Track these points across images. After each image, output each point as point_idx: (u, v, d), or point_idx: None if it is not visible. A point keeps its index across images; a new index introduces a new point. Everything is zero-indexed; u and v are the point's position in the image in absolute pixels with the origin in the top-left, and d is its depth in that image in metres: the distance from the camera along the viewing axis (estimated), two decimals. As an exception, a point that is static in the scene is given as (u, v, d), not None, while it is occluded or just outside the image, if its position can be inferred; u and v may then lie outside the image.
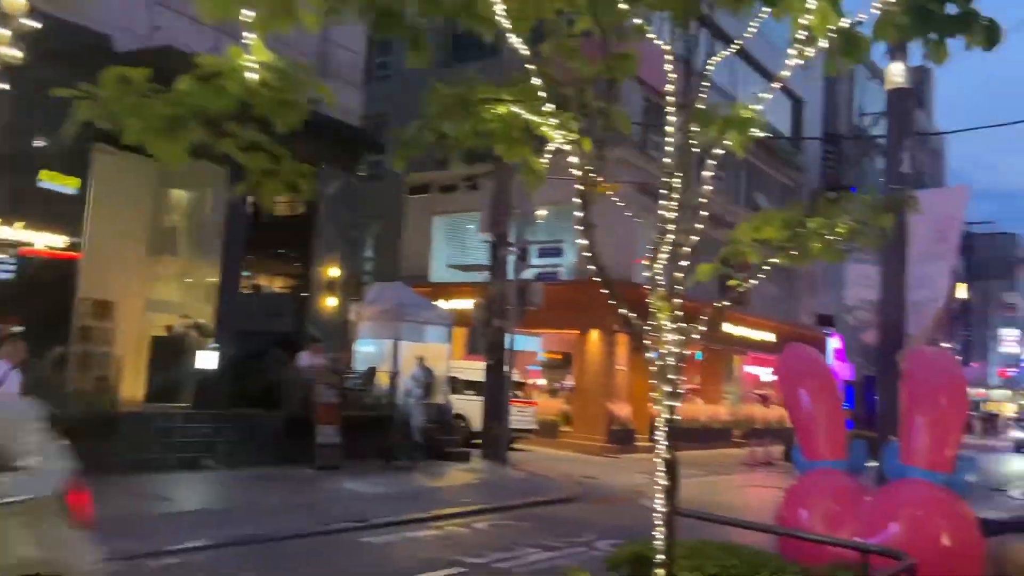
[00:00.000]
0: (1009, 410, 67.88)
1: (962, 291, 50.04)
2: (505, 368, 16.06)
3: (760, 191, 29.78)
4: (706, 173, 3.82)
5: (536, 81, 3.74)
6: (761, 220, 4.31)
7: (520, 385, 19.35)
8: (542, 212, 18.20)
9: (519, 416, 17.89)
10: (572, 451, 20.50)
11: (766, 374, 32.18)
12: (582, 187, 3.95)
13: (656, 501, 3.84)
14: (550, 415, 21.61)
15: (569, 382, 22.77)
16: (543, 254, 16.12)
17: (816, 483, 5.28)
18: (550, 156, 4.15)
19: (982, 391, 68.02)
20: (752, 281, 4.17)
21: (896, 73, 7.88)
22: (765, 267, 4.17)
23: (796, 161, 31.52)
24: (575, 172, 4.00)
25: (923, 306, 7.62)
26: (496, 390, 15.94)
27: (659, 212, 4.00)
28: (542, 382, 25.04)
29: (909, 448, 5.01)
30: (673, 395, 3.91)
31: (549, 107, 3.83)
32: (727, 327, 25.88)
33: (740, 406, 27.63)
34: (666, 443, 3.90)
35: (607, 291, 3.86)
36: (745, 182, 29.13)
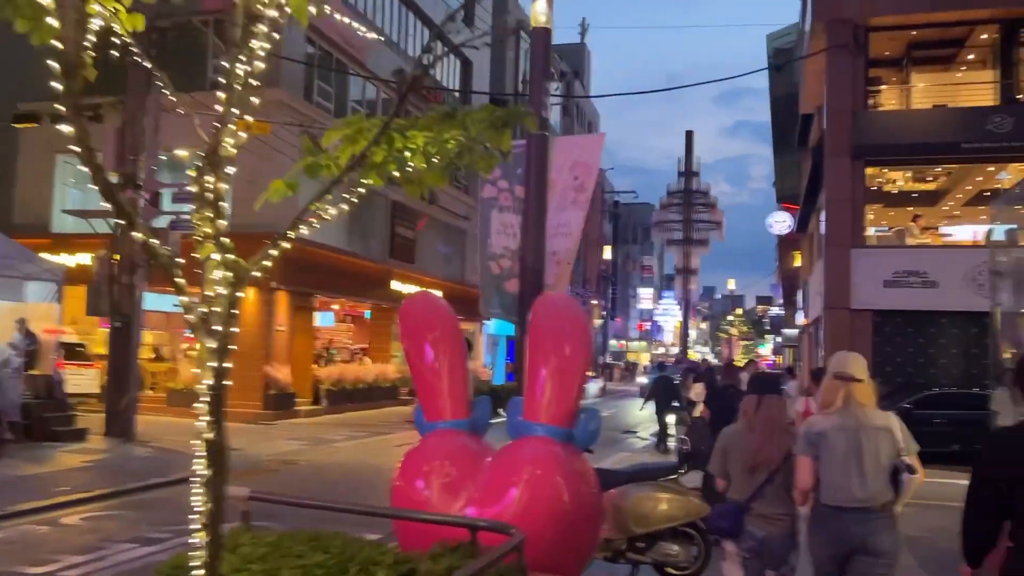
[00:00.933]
0: (645, 359, 77.37)
1: (607, 253, 55.14)
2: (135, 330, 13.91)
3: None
4: (260, 45, 2.81)
5: None
6: (355, 129, 3.43)
7: (80, 346, 17.05)
8: (182, 152, 16.06)
9: (77, 379, 15.70)
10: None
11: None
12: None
13: (194, 496, 2.84)
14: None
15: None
16: (179, 199, 14.10)
17: (434, 446, 4.63)
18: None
19: (623, 343, 76.64)
20: (340, 207, 3.28)
21: (540, 11, 7.53)
22: (356, 189, 3.30)
23: (465, 122, 31.94)
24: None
25: (560, 255, 7.41)
26: (121, 357, 13.75)
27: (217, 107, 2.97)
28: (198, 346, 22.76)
29: (532, 402, 4.53)
30: (220, 353, 2.91)
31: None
32: (395, 285, 25.54)
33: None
34: (210, 418, 2.90)
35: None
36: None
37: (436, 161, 3.50)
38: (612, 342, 70.46)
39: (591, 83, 67.38)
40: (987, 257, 17.87)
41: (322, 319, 29.82)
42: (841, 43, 18.49)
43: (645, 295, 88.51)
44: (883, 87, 20.37)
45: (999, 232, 19.18)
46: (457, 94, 31.38)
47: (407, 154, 3.45)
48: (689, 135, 24.79)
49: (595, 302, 54.59)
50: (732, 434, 4.44)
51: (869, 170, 19.37)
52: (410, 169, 3.44)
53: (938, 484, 6.27)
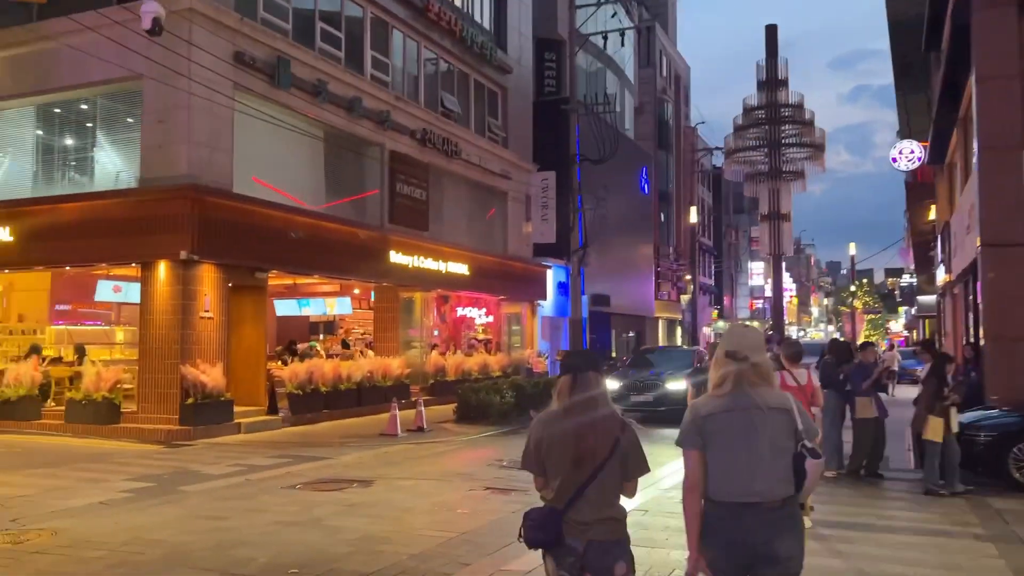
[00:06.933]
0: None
1: (692, 216, 47.97)
2: None
3: (451, 92, 24.18)
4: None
5: None
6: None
7: None
8: None
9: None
10: (133, 440, 13.93)
11: (480, 315, 27.11)
12: None
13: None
14: (104, 390, 14.76)
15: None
16: None
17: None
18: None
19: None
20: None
21: None
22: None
23: (499, 60, 26.19)
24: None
25: None
26: None
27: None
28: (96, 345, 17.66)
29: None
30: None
31: None
32: (395, 257, 20.17)
33: (424, 356, 22.13)
34: None
35: None
36: (434, 81, 23.41)
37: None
38: (720, 323, 62.70)
39: (677, 36, 59.99)
40: None
41: (339, 306, 24.94)
42: None
43: (756, 270, 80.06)
44: None
45: None
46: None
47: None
48: (771, 30, 18.09)
49: (688, 277, 47.54)
50: (545, 422, 3.44)
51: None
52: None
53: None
